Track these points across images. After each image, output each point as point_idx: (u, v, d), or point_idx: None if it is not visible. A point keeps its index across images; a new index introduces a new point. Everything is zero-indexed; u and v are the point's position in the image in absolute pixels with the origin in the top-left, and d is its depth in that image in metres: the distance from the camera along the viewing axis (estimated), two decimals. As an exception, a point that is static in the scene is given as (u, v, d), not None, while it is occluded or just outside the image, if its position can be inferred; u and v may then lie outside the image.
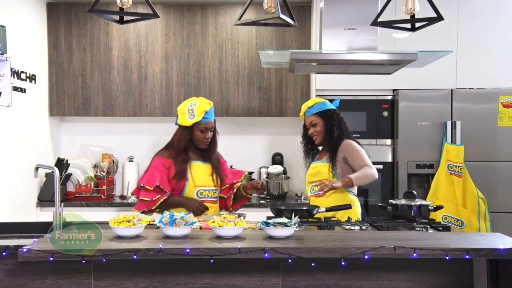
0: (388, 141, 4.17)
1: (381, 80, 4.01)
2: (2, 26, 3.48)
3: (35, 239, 2.20)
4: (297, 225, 2.36)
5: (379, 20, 2.66)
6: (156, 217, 2.70)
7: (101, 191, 4.38)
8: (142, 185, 3.04)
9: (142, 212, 3.06)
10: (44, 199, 4.25)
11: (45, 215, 4.17)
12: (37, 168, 2.80)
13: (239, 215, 2.66)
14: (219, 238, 2.27)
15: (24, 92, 4.03)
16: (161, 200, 3.00)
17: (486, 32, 4.10)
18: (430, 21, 2.61)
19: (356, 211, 3.17)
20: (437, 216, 3.65)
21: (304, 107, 3.35)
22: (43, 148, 4.42)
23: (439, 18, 2.56)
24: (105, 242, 2.19)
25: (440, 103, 4.03)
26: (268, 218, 2.84)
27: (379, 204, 3.12)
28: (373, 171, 3.13)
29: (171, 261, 2.23)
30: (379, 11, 2.69)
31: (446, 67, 3.99)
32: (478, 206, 3.91)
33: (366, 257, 2.07)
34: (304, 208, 2.95)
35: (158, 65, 4.50)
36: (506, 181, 4.00)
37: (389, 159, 4.16)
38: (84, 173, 4.48)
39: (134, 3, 2.95)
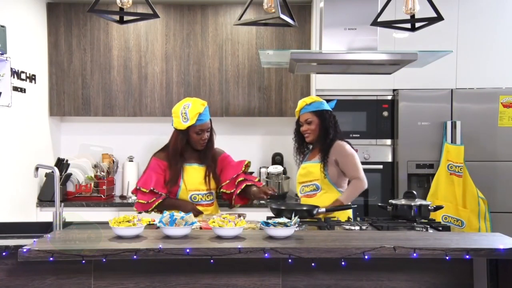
0: (388, 141, 4.17)
1: (381, 80, 4.01)
2: (2, 26, 3.48)
3: (35, 239, 2.20)
4: (297, 225, 2.36)
5: (379, 20, 2.66)
6: (156, 217, 2.71)
7: (101, 191, 4.38)
8: (138, 187, 3.08)
9: (140, 212, 3.09)
10: (44, 199, 4.25)
11: (45, 215, 4.17)
12: (37, 168, 2.80)
13: (239, 215, 2.66)
14: (219, 238, 2.27)
15: (24, 92, 4.03)
16: (156, 203, 3.05)
17: (486, 32, 4.10)
18: (430, 21, 2.61)
19: (347, 210, 3.19)
20: (437, 216, 3.66)
21: (301, 103, 3.32)
22: (43, 148, 4.42)
23: (439, 18, 2.56)
24: (105, 242, 2.19)
25: (440, 103, 4.03)
26: (268, 218, 2.84)
27: (379, 204, 3.12)
28: (363, 184, 3.16)
29: (171, 261, 2.23)
30: (379, 11, 2.68)
31: (446, 67, 3.99)
32: (478, 206, 3.91)
33: (366, 257, 2.07)
34: (304, 208, 2.94)
35: (158, 65, 4.50)
36: (506, 181, 4.00)
37: (389, 159, 4.16)
38: (84, 173, 4.48)
39: (134, 3, 2.95)
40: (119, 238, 2.27)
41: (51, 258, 2.04)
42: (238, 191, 3.11)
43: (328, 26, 3.04)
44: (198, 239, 2.26)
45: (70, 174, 4.38)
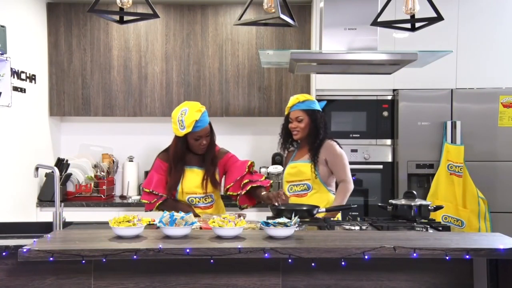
0: (388, 141, 4.17)
1: (381, 80, 4.01)
2: (2, 26, 3.48)
3: (35, 239, 2.20)
4: (297, 225, 2.36)
5: (379, 20, 2.66)
6: (156, 217, 2.71)
7: (101, 191, 4.39)
8: (142, 187, 3.15)
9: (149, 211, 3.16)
10: (44, 199, 4.25)
11: (45, 215, 4.17)
12: (37, 168, 2.80)
13: (239, 215, 2.66)
14: (219, 238, 2.27)
15: (24, 92, 4.03)
16: (157, 204, 3.09)
17: (486, 32, 4.10)
18: (430, 21, 2.61)
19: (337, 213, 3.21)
20: (437, 216, 3.66)
21: (294, 100, 3.29)
22: (43, 148, 4.42)
23: (439, 18, 2.56)
24: (105, 242, 2.19)
25: (440, 103, 4.03)
26: (268, 218, 2.84)
27: (379, 204, 3.12)
28: (350, 186, 3.20)
29: (171, 261, 2.23)
30: (379, 11, 2.69)
31: (446, 67, 3.99)
32: (478, 206, 3.92)
33: (366, 257, 2.07)
34: (304, 208, 2.94)
35: (158, 65, 4.50)
36: (506, 181, 4.00)
37: (389, 159, 4.16)
38: (84, 173, 4.48)
39: (134, 3, 2.95)
40: (119, 238, 2.27)
41: (51, 258, 2.04)
42: (243, 193, 3.09)
43: (328, 26, 3.04)
44: (198, 239, 2.26)
45: (70, 174, 4.38)
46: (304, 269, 2.28)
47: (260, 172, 4.61)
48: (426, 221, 2.87)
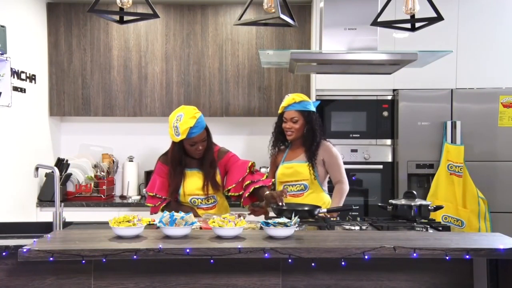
0: (388, 141, 4.17)
1: (381, 80, 4.01)
2: (2, 26, 3.48)
3: (35, 239, 2.20)
4: (297, 225, 2.36)
5: (379, 20, 2.66)
6: (156, 217, 2.71)
7: (101, 191, 4.39)
8: (146, 191, 3.19)
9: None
10: (44, 199, 4.25)
11: (45, 215, 4.17)
12: (37, 168, 2.80)
13: (239, 215, 2.66)
14: (219, 238, 2.27)
15: (24, 92, 4.03)
16: (161, 207, 3.11)
17: (486, 32, 4.10)
18: (430, 21, 2.61)
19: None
20: (437, 216, 3.66)
21: (290, 99, 3.25)
22: (43, 148, 4.42)
23: (439, 18, 2.56)
24: (105, 242, 2.19)
25: (440, 103, 4.03)
26: (268, 218, 2.83)
27: (379, 204, 3.12)
28: (347, 187, 3.25)
29: (171, 261, 2.23)
30: (379, 11, 2.69)
31: (446, 67, 3.99)
32: (478, 206, 3.92)
33: (366, 257, 2.07)
34: (305, 208, 2.94)
35: (158, 65, 4.50)
36: (506, 181, 4.00)
37: (389, 159, 4.16)
38: (84, 173, 4.48)
39: (134, 3, 2.95)
40: (119, 238, 2.27)
41: (51, 258, 2.04)
42: (246, 194, 3.07)
43: (328, 26, 3.04)
44: (198, 239, 2.26)
45: (70, 174, 4.38)
46: (304, 269, 2.28)
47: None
48: (426, 221, 2.87)
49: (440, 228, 2.71)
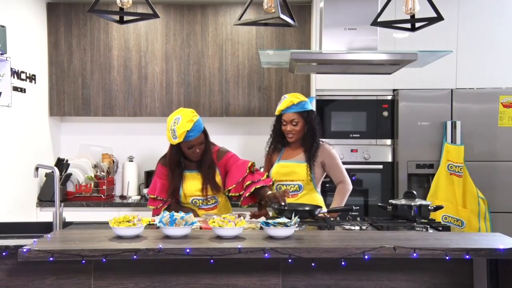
0: (388, 141, 4.17)
1: (381, 80, 4.01)
2: (2, 26, 3.48)
3: (35, 239, 2.20)
4: (297, 225, 2.36)
5: (379, 20, 2.66)
6: (156, 217, 2.71)
7: (101, 191, 4.39)
8: (147, 194, 3.20)
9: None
10: (44, 199, 4.25)
11: (45, 215, 4.17)
12: (37, 168, 2.80)
13: (239, 215, 2.66)
14: (219, 238, 2.27)
15: (24, 92, 4.03)
16: (163, 209, 3.10)
17: (486, 32, 4.10)
18: (430, 21, 2.61)
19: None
20: (437, 216, 3.66)
21: (288, 102, 3.19)
22: (43, 148, 4.42)
23: (439, 18, 2.56)
24: (105, 242, 2.19)
25: (440, 103, 4.03)
26: (268, 218, 2.83)
27: (379, 204, 3.12)
28: (349, 187, 3.22)
29: (171, 261, 2.23)
30: (379, 11, 2.69)
31: (446, 67, 3.99)
32: (478, 206, 3.92)
33: (366, 257, 2.07)
34: (305, 208, 2.94)
35: (158, 65, 4.50)
36: (506, 181, 4.00)
37: (389, 159, 4.16)
38: (84, 173, 4.48)
39: (134, 3, 2.95)
40: (119, 238, 2.27)
41: (51, 258, 2.04)
42: (247, 194, 3.06)
43: (328, 26, 3.04)
44: (198, 239, 2.26)
45: (70, 174, 4.38)
46: (304, 269, 2.28)
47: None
48: (426, 221, 2.87)
49: (440, 228, 2.71)
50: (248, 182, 3.05)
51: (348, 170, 3.27)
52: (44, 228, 2.86)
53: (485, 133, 4.00)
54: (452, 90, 4.04)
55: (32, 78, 4.17)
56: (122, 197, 4.58)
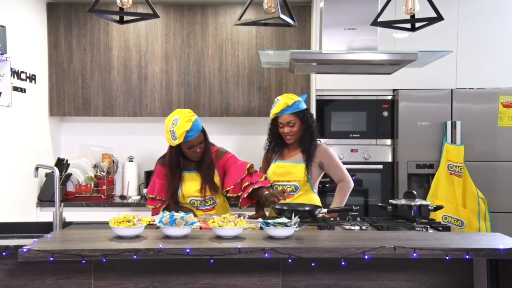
0: (388, 141, 4.17)
1: (381, 80, 4.01)
2: (2, 26, 3.48)
3: (35, 239, 2.20)
4: (297, 225, 2.36)
5: (379, 20, 2.66)
6: (156, 217, 2.71)
7: (101, 191, 4.39)
8: (146, 194, 3.21)
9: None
10: (44, 199, 4.25)
11: (45, 215, 4.17)
12: (37, 168, 2.80)
13: (239, 215, 2.66)
14: (219, 238, 2.27)
15: (24, 92, 4.03)
16: (162, 208, 3.12)
17: (486, 32, 4.10)
18: (430, 21, 2.61)
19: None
20: (437, 216, 3.66)
21: (282, 104, 3.16)
22: (43, 148, 4.42)
23: (439, 18, 2.56)
24: (105, 242, 2.19)
25: (440, 103, 4.03)
26: (269, 218, 2.83)
27: (379, 204, 3.12)
28: (350, 184, 3.21)
29: (171, 261, 2.23)
30: (379, 11, 2.69)
31: (446, 67, 3.99)
32: (478, 206, 3.92)
33: (366, 257, 2.07)
34: (305, 208, 2.94)
35: (158, 65, 4.50)
36: (506, 181, 4.00)
37: (389, 159, 4.16)
38: (84, 173, 4.48)
39: (134, 3, 2.95)
40: (119, 238, 2.27)
41: (51, 258, 2.04)
42: (245, 195, 3.06)
43: (328, 26, 3.04)
44: (198, 239, 2.26)
45: (70, 174, 4.38)
46: (304, 269, 2.28)
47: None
48: (426, 221, 2.87)
49: (440, 228, 2.71)
50: (247, 183, 3.05)
51: (348, 170, 3.26)
52: (44, 228, 2.86)
53: (485, 133, 4.00)
54: (452, 90, 4.04)
55: (32, 78, 4.17)
56: (122, 197, 4.58)
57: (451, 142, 3.97)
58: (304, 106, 3.20)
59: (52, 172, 3.07)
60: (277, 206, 2.90)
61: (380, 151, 4.16)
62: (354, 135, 4.16)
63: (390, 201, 2.99)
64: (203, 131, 3.06)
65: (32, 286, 2.26)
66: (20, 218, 3.85)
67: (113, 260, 2.10)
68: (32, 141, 4.20)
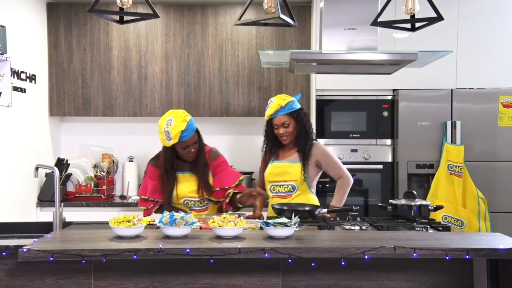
0: (388, 141, 4.17)
1: (381, 80, 4.01)
2: (2, 26, 3.48)
3: (35, 239, 2.20)
4: (297, 225, 2.36)
5: (379, 20, 2.66)
6: (156, 217, 2.71)
7: (101, 191, 4.39)
8: (138, 195, 3.19)
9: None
10: (44, 199, 4.25)
11: (45, 215, 4.17)
12: (37, 168, 2.80)
13: (239, 215, 2.66)
14: (219, 238, 2.27)
15: (24, 92, 4.03)
16: (154, 209, 3.11)
17: (486, 32, 4.10)
18: (430, 21, 2.61)
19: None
20: (437, 216, 3.66)
21: (275, 106, 3.14)
22: (43, 148, 4.42)
23: (439, 18, 2.56)
24: (105, 242, 2.19)
25: (440, 103, 4.03)
26: (268, 218, 2.83)
27: (379, 204, 3.12)
28: (349, 181, 3.20)
29: (171, 261, 2.23)
30: (379, 11, 2.69)
31: (446, 67, 3.99)
32: (478, 206, 3.92)
33: (366, 257, 2.07)
34: (305, 208, 2.94)
35: (158, 65, 4.50)
36: (506, 181, 4.00)
37: (389, 159, 4.16)
38: (84, 173, 4.48)
39: (134, 3, 2.95)
40: (119, 238, 2.27)
41: (51, 258, 2.04)
42: (227, 201, 3.10)
43: (328, 26, 3.04)
44: (198, 239, 2.26)
45: (70, 174, 4.38)
46: (304, 269, 2.28)
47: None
48: (426, 221, 2.87)
49: (440, 228, 2.71)
50: (230, 191, 3.09)
51: (348, 170, 3.26)
52: (44, 228, 2.86)
53: (485, 133, 4.00)
54: (452, 90, 4.04)
55: (32, 78, 4.17)
56: (122, 197, 4.58)
57: (451, 142, 3.97)
58: (297, 106, 3.20)
59: (52, 172, 3.07)
60: (277, 206, 2.91)
61: (380, 151, 4.16)
62: (354, 135, 4.16)
63: (390, 201, 2.99)
64: (197, 131, 3.06)
65: (32, 286, 2.26)
66: (20, 218, 3.85)
67: (113, 260, 2.10)
68: (32, 141, 4.20)
